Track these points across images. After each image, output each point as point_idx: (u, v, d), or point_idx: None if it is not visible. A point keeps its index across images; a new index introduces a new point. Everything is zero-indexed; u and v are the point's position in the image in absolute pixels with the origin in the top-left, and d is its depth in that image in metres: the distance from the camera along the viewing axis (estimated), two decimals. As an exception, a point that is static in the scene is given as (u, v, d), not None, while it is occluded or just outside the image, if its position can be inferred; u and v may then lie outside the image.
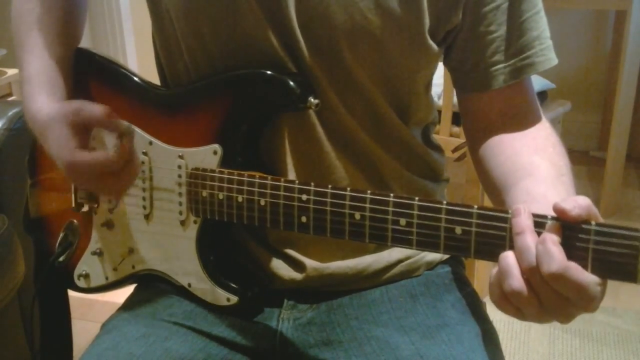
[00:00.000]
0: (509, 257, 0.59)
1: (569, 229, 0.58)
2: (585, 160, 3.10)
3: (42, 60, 0.86)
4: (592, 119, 3.14)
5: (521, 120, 0.83)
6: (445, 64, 0.87)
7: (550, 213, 0.60)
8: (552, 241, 0.57)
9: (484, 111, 0.85)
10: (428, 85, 0.87)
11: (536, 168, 0.76)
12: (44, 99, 0.83)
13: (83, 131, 0.77)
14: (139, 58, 3.07)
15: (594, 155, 3.13)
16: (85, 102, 0.77)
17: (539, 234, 0.59)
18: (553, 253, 0.56)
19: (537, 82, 1.97)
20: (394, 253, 0.86)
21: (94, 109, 0.75)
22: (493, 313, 0.92)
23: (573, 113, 2.31)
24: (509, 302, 0.60)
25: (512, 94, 0.83)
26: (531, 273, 0.58)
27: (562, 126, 2.17)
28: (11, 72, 2.47)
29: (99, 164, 0.75)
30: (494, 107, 0.84)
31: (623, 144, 2.50)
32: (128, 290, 0.93)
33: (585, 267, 0.57)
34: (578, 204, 0.57)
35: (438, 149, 0.94)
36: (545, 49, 0.83)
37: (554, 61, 0.83)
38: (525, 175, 0.76)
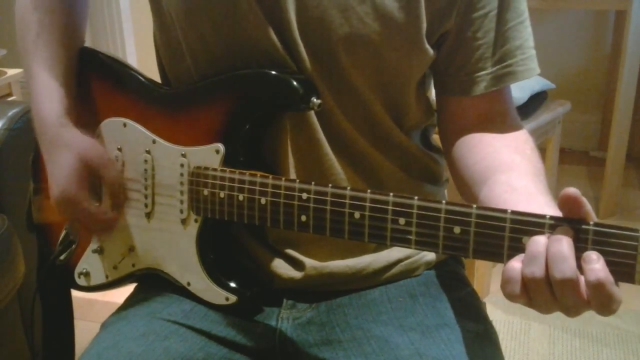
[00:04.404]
0: (539, 243, 0.58)
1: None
2: (585, 160, 3.10)
3: (53, 74, 0.86)
4: (592, 119, 3.14)
5: (499, 125, 0.84)
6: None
7: (539, 209, 0.60)
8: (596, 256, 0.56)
9: (463, 114, 0.85)
10: (422, 88, 0.87)
11: (517, 165, 0.77)
12: (64, 117, 0.85)
13: (94, 177, 0.84)
14: (139, 58, 3.07)
15: (594, 155, 3.13)
16: (111, 160, 0.85)
17: (540, 234, 0.58)
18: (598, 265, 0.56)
19: (537, 82, 1.97)
20: (394, 253, 0.86)
21: (111, 164, 0.85)
22: (493, 313, 0.92)
23: (573, 113, 2.31)
24: (524, 288, 0.58)
25: (491, 101, 0.84)
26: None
27: (562, 126, 2.17)
28: (11, 72, 2.47)
29: (89, 212, 0.83)
30: (472, 111, 0.85)
31: (623, 144, 2.50)
32: (128, 290, 0.93)
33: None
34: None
35: (438, 151, 0.94)
36: (527, 59, 0.82)
37: (535, 71, 0.83)
38: (506, 169, 0.76)
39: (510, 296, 0.60)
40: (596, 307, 0.56)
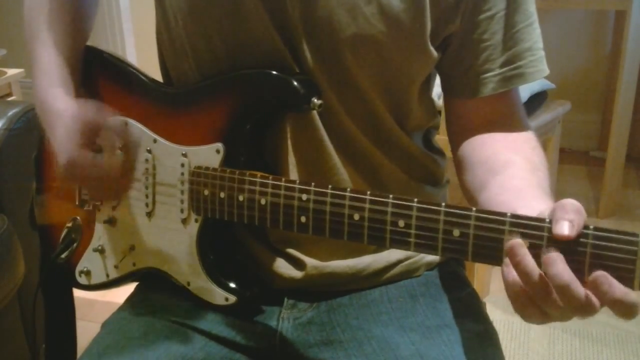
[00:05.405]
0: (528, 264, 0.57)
1: None
2: (585, 160, 3.10)
3: (55, 56, 0.86)
4: (592, 119, 3.14)
5: (505, 127, 0.84)
6: (435, 67, 0.87)
7: (525, 204, 0.61)
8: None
9: (469, 116, 0.85)
10: (424, 89, 0.87)
11: (512, 164, 0.77)
12: (60, 91, 0.84)
13: (92, 133, 0.79)
14: (138, 58, 3.07)
15: (594, 155, 3.13)
16: (102, 107, 0.80)
17: (539, 237, 0.58)
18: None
19: (537, 82, 1.97)
20: (394, 253, 0.86)
21: (110, 116, 0.80)
22: (493, 313, 0.92)
23: (573, 113, 2.31)
24: (534, 305, 0.58)
25: (499, 103, 0.84)
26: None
27: (562, 126, 2.17)
28: (11, 72, 2.47)
29: (98, 166, 0.78)
30: (479, 113, 0.85)
31: (623, 144, 2.50)
32: (128, 290, 0.93)
33: (582, 272, 0.56)
34: (573, 216, 0.56)
35: (439, 152, 0.94)
36: (536, 60, 0.82)
37: (545, 72, 0.83)
38: (501, 170, 0.76)
39: (520, 310, 0.59)
40: (619, 316, 0.56)
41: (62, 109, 0.81)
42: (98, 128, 0.79)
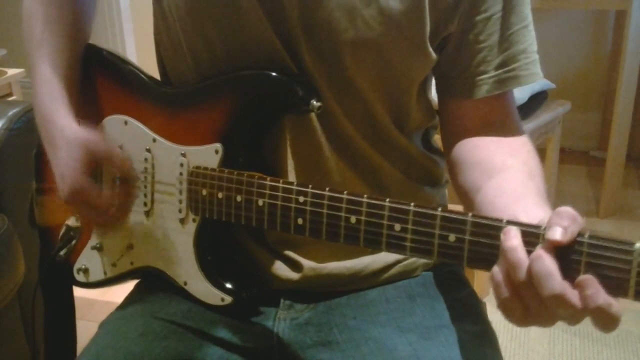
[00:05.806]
0: (517, 251, 0.58)
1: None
2: (585, 160, 3.10)
3: (56, 66, 0.86)
4: (592, 119, 3.14)
5: (499, 129, 0.83)
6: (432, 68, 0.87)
7: (524, 210, 0.61)
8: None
9: (463, 118, 0.85)
10: (423, 90, 0.87)
11: (508, 167, 0.77)
12: (62, 109, 0.84)
13: (94, 162, 0.82)
14: (138, 58, 3.07)
15: (594, 155, 3.13)
16: (109, 143, 0.85)
17: (533, 244, 0.58)
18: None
19: (537, 82, 1.96)
20: (392, 254, 0.86)
21: (114, 150, 0.84)
22: (493, 314, 0.92)
23: (573, 113, 2.31)
24: (515, 292, 0.59)
25: (493, 105, 0.84)
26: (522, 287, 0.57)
27: (562, 126, 2.17)
28: (11, 72, 2.47)
29: (95, 196, 0.82)
30: (473, 115, 0.84)
31: (623, 144, 2.50)
32: (128, 290, 0.93)
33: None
34: (567, 223, 0.56)
35: (438, 153, 0.93)
36: (530, 63, 0.82)
37: (539, 76, 0.83)
38: (496, 173, 0.76)
39: (501, 301, 0.59)
40: (598, 326, 0.56)
41: (66, 133, 0.82)
42: (100, 157, 0.83)
